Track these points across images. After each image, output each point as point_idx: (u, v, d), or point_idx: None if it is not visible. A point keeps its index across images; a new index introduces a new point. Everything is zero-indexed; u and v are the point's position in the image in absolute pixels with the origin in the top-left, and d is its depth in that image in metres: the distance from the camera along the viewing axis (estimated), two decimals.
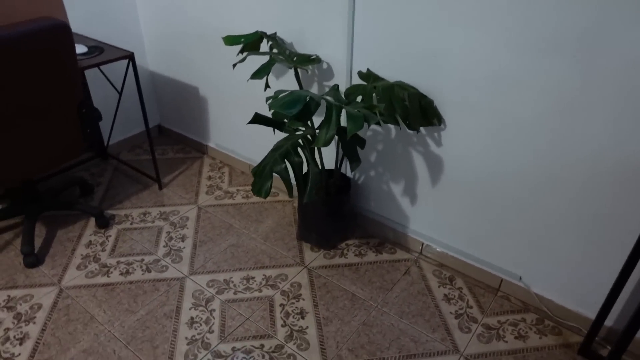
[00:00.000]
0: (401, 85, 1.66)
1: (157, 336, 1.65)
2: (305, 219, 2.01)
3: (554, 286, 1.72)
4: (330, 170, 2.04)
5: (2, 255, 1.97)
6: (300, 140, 1.62)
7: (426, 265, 1.98)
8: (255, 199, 2.35)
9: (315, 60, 1.85)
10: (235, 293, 1.82)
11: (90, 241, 2.06)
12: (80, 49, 2.02)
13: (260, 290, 1.84)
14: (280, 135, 2.08)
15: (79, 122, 1.89)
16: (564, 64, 1.37)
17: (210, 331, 1.67)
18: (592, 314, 1.67)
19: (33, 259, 1.91)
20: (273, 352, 1.61)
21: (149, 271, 1.91)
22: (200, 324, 1.70)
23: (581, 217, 1.54)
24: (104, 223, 2.14)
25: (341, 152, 1.89)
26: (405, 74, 1.70)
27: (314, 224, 1.99)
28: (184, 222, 2.19)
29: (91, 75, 2.41)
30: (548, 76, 1.41)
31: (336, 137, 1.87)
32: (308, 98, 1.43)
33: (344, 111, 1.55)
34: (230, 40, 1.84)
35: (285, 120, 1.66)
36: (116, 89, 2.40)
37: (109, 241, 2.06)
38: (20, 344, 1.60)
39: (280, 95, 1.46)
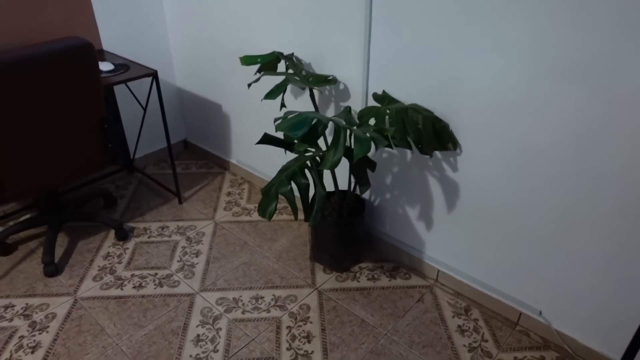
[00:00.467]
0: (415, 109, 1.62)
1: (163, 352, 1.65)
2: (318, 240, 1.98)
3: (577, 323, 1.61)
4: (344, 192, 2.01)
5: (25, 264, 2.04)
6: (308, 162, 1.60)
7: (441, 294, 1.90)
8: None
9: (332, 81, 1.84)
10: (243, 312, 1.81)
11: (109, 253, 2.11)
12: (106, 66, 2.09)
13: (269, 311, 1.82)
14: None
15: (101, 137, 1.95)
16: (583, 92, 1.29)
17: (215, 350, 1.66)
18: (617, 356, 1.55)
19: (52, 269, 1.97)
20: None
21: (161, 286, 1.93)
22: (206, 342, 1.69)
23: (606, 253, 1.44)
24: (123, 235, 2.19)
25: None
26: (421, 97, 1.66)
27: (326, 245, 1.96)
28: (200, 237, 2.21)
29: (120, 91, 2.49)
30: (567, 104, 1.34)
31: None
32: (315, 120, 1.42)
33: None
34: (247, 60, 1.86)
35: (295, 141, 1.65)
36: (141, 105, 2.47)
37: (126, 254, 2.10)
38: (32, 352, 1.64)
39: (289, 117, 1.45)
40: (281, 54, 1.88)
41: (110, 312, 1.81)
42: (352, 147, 1.60)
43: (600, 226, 1.42)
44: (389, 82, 1.73)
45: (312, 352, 1.66)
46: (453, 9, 1.45)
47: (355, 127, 1.55)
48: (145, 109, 2.46)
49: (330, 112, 2.00)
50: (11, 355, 1.63)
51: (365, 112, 1.68)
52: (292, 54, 1.97)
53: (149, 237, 2.21)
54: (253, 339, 1.70)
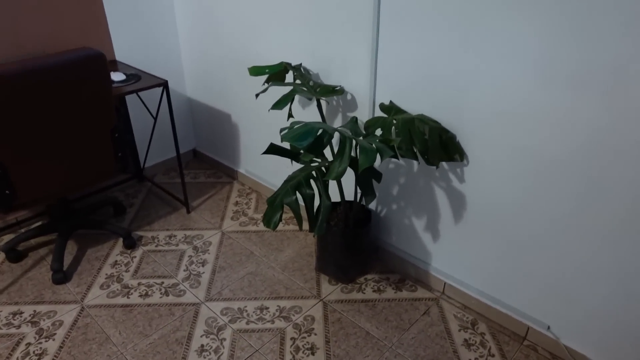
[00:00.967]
0: (422, 119, 1.62)
1: None
2: (324, 251, 1.98)
3: (587, 340, 1.57)
4: (350, 202, 2.00)
5: (35, 271, 2.06)
6: (314, 172, 1.60)
7: (448, 306, 1.88)
8: (279, 226, 2.35)
9: (339, 92, 1.85)
10: (247, 323, 1.81)
11: (116, 261, 2.12)
12: (118, 76, 2.13)
13: (273, 322, 1.81)
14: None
15: (112, 146, 1.97)
16: (592, 101, 1.28)
17: None
18: None
19: (61, 276, 1.99)
20: None
21: (167, 295, 1.94)
22: (210, 353, 1.69)
23: (617, 267, 1.42)
24: (131, 244, 2.20)
25: None
26: (428, 108, 1.66)
27: (332, 256, 1.96)
28: (207, 246, 2.22)
29: (131, 101, 2.53)
30: (575, 114, 1.32)
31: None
32: (320, 130, 1.42)
33: None
34: (255, 70, 1.88)
35: (301, 152, 1.65)
36: (152, 114, 2.50)
37: (133, 262, 2.12)
38: None
39: (295, 127, 1.45)
40: (289, 64, 1.89)
41: (116, 320, 1.82)
42: (358, 157, 1.60)
43: (612, 239, 1.39)
44: (396, 92, 1.73)
45: None
46: (460, 19, 1.45)
47: (361, 138, 1.55)
48: (155, 119, 2.49)
49: (337, 123, 2.01)
50: None
51: (372, 123, 1.68)
52: (300, 64, 1.98)
53: (156, 246, 2.22)
54: (257, 350, 1.69)
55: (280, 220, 1.51)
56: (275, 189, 2.50)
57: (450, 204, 1.76)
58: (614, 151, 1.29)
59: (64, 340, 1.73)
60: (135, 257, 2.15)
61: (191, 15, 2.44)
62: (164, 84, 2.14)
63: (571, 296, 1.55)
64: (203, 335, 1.75)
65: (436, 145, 1.57)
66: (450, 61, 1.53)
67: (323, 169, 1.63)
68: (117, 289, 1.96)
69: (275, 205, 1.52)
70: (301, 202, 2.27)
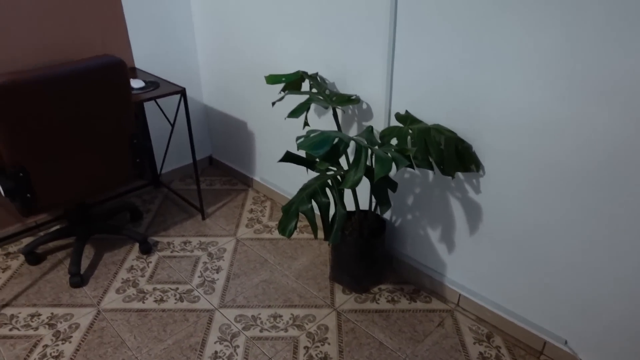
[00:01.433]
0: (438, 129, 1.61)
1: None
2: (338, 260, 1.97)
3: (605, 355, 1.54)
4: (365, 211, 2.00)
5: (53, 274, 2.10)
6: (329, 181, 1.61)
7: (462, 319, 1.86)
8: (293, 234, 2.35)
9: (355, 101, 1.86)
10: (261, 330, 1.81)
11: (132, 266, 2.15)
12: (138, 83, 2.17)
13: (286, 330, 1.81)
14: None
15: (130, 152, 2.01)
16: (613, 111, 1.26)
17: None
18: None
19: (78, 280, 2.02)
20: None
21: (182, 300, 1.95)
22: (223, 359, 1.69)
23: (638, 282, 1.39)
24: (147, 249, 2.23)
25: None
26: (444, 117, 1.66)
27: (346, 265, 1.95)
28: (221, 253, 2.23)
29: (149, 108, 2.57)
30: (596, 124, 1.31)
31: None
32: (336, 139, 1.43)
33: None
34: (272, 79, 1.89)
35: (317, 160, 1.66)
36: (169, 121, 2.54)
37: (149, 267, 2.14)
38: None
39: (311, 135, 1.46)
40: (305, 73, 1.91)
41: (131, 324, 1.83)
42: (374, 166, 1.60)
43: (632, 252, 1.37)
44: (411, 102, 1.73)
45: None
46: (477, 28, 1.45)
47: (376, 147, 1.55)
48: (173, 126, 2.53)
49: (353, 132, 2.01)
50: None
51: (388, 132, 1.68)
52: (317, 73, 2.00)
53: (171, 252, 2.24)
54: (270, 358, 1.69)
55: (295, 228, 1.52)
56: (290, 197, 2.51)
57: (465, 214, 1.75)
58: (636, 163, 1.27)
59: (80, 343, 1.75)
60: (150, 262, 2.17)
61: (209, 24, 2.48)
62: (182, 92, 2.17)
63: (589, 310, 1.53)
64: (217, 341, 1.76)
65: (452, 155, 1.56)
66: (466, 71, 1.53)
67: (339, 177, 1.64)
68: (133, 294, 1.98)
69: (290, 213, 1.52)
70: (316, 211, 2.28)
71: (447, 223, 1.82)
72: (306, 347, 1.74)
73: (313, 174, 2.25)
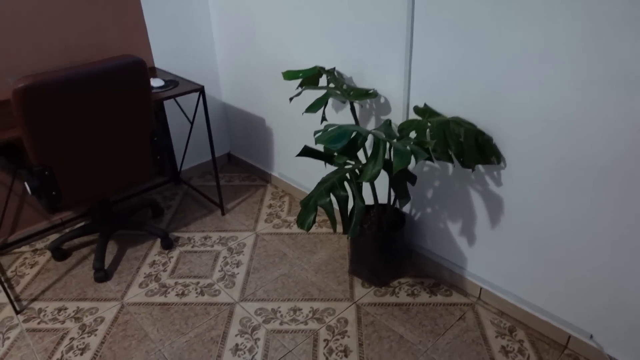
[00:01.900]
0: (457, 121, 1.60)
1: None
2: (357, 254, 1.98)
3: (632, 350, 1.51)
4: (384, 205, 1.99)
5: (78, 269, 2.15)
6: (347, 174, 1.61)
7: (484, 312, 1.84)
8: (312, 229, 2.36)
9: (372, 95, 1.85)
10: (281, 324, 1.82)
11: (154, 261, 2.19)
12: (157, 82, 2.20)
13: (306, 323, 1.82)
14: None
15: (151, 149, 2.04)
16: (634, 104, 1.23)
17: None
18: None
19: (102, 275, 2.06)
20: None
21: (203, 294, 1.98)
22: (244, 352, 1.71)
23: None
24: (168, 244, 2.26)
25: None
26: (463, 110, 1.64)
27: (365, 259, 1.95)
28: (241, 248, 2.25)
29: (169, 106, 2.61)
30: (622, 114, 1.28)
31: None
32: (354, 133, 1.43)
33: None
34: (289, 75, 1.90)
35: (335, 154, 1.66)
36: (188, 119, 2.57)
37: (170, 262, 2.17)
38: (81, 354, 1.72)
39: (329, 129, 1.47)
40: (323, 68, 1.91)
41: (154, 318, 1.87)
42: (392, 159, 1.60)
43: None
44: (430, 95, 1.72)
45: None
46: (497, 17, 1.43)
47: (395, 140, 1.54)
48: (192, 123, 2.56)
49: (370, 126, 2.01)
50: (62, 356, 1.71)
51: (406, 125, 1.67)
52: (334, 68, 2.00)
53: (192, 247, 2.27)
54: (290, 351, 1.71)
55: (313, 222, 1.52)
56: (308, 192, 2.52)
57: (486, 208, 1.73)
58: None
59: (105, 336, 1.79)
60: (172, 257, 2.21)
61: (227, 22, 2.50)
62: (201, 90, 2.19)
63: (615, 304, 1.50)
64: (237, 334, 1.78)
65: (472, 147, 1.55)
66: (485, 63, 1.51)
67: (357, 171, 1.64)
68: (155, 288, 2.02)
69: (309, 207, 1.53)
70: (335, 205, 2.28)
71: (467, 216, 1.81)
72: (326, 340, 1.74)
73: (331, 169, 2.25)
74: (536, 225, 1.60)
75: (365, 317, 1.84)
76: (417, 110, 1.73)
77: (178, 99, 2.62)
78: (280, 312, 1.88)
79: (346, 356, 1.68)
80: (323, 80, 2.05)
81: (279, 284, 2.02)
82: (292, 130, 2.45)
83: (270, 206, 2.58)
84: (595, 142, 1.35)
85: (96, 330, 1.82)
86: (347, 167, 1.67)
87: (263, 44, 2.34)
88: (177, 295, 1.98)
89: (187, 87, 2.19)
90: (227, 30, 2.53)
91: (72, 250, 2.28)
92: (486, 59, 1.50)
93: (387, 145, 1.48)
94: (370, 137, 1.93)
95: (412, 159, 1.46)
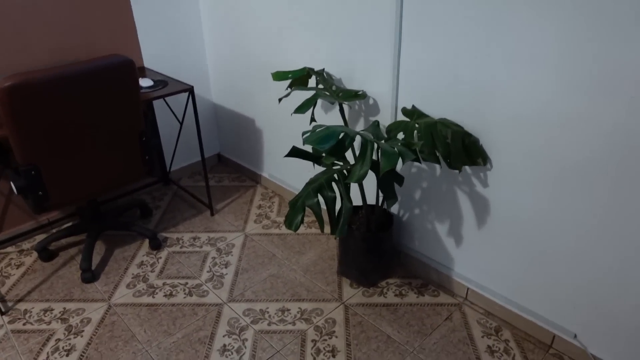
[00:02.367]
0: (444, 123, 1.61)
1: None
2: (345, 254, 1.98)
3: (616, 349, 1.53)
4: (372, 206, 2.00)
5: (65, 270, 2.13)
6: (335, 175, 1.62)
7: (471, 312, 1.86)
8: (300, 229, 2.37)
9: (361, 96, 1.86)
10: (269, 324, 1.82)
11: (142, 261, 2.18)
12: (146, 82, 2.19)
13: (294, 324, 1.82)
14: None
15: (140, 149, 2.03)
16: (622, 105, 1.26)
17: None
18: None
19: (89, 275, 2.05)
20: None
21: (191, 295, 1.97)
22: (232, 353, 1.71)
23: None
24: (156, 245, 2.25)
25: None
26: (451, 112, 1.65)
27: (354, 259, 1.96)
28: (230, 248, 2.25)
29: (159, 106, 2.60)
30: (605, 118, 1.30)
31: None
32: (342, 134, 1.44)
33: None
34: (278, 76, 1.90)
35: (323, 155, 1.66)
36: (178, 119, 2.56)
37: (158, 263, 2.16)
38: (67, 356, 1.71)
39: (317, 130, 1.47)
40: (312, 69, 1.92)
41: (141, 318, 1.86)
42: (380, 160, 1.61)
43: None
44: (418, 96, 1.73)
45: None
46: (483, 22, 1.45)
47: (382, 141, 1.55)
48: (181, 123, 2.55)
49: (359, 127, 2.02)
50: (47, 357, 1.70)
51: (394, 127, 1.68)
52: (323, 69, 2.01)
53: (181, 247, 2.26)
54: (278, 351, 1.71)
55: (301, 222, 1.53)
56: (297, 193, 2.52)
57: (473, 208, 1.75)
58: None
59: (91, 337, 1.78)
60: (160, 257, 2.20)
61: (217, 23, 2.50)
62: (190, 90, 2.19)
63: (600, 304, 1.52)
64: (225, 335, 1.78)
65: (459, 149, 1.56)
66: (472, 65, 1.53)
67: (345, 171, 1.65)
68: (143, 289, 2.01)
69: (297, 208, 1.54)
70: (323, 205, 2.29)
71: (454, 217, 1.82)
72: (314, 341, 1.75)
73: (320, 169, 2.26)
74: (522, 226, 1.62)
75: (353, 317, 1.85)
76: (405, 111, 1.75)
77: (167, 99, 2.61)
78: (268, 312, 1.88)
79: (334, 356, 1.69)
80: (312, 82, 2.06)
81: (267, 284, 2.03)
82: (282, 131, 2.45)
83: (259, 207, 2.58)
84: (578, 144, 1.38)
85: (82, 331, 1.81)
86: (335, 167, 1.67)
87: (253, 44, 2.34)
88: (165, 295, 1.97)
89: (177, 87, 2.18)
90: (217, 31, 2.53)
91: (59, 250, 2.26)
92: (474, 61, 1.52)
93: (375, 146, 1.49)
94: (358, 138, 1.94)
95: (400, 160, 1.47)
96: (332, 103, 1.85)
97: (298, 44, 2.10)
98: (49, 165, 1.79)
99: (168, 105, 2.57)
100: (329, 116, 2.14)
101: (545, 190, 1.51)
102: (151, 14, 2.40)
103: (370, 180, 2.07)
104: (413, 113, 1.73)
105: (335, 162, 1.69)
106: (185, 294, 1.98)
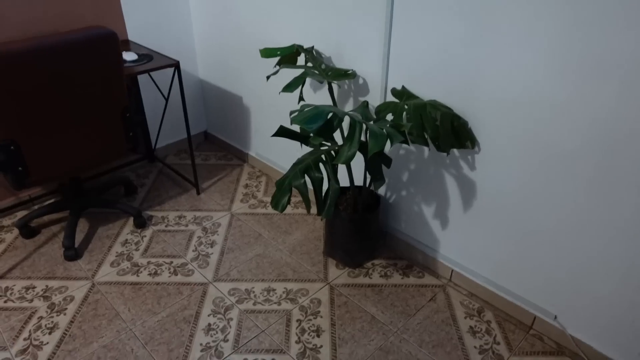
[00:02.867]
0: (434, 105, 1.59)
1: (174, 339, 1.68)
2: (332, 235, 1.98)
3: (594, 330, 1.56)
4: (359, 187, 1.99)
5: (47, 247, 2.10)
6: (323, 156, 1.60)
7: (454, 294, 1.88)
8: (287, 209, 2.35)
9: (351, 75, 1.83)
10: (254, 304, 1.82)
11: (127, 240, 2.15)
12: (130, 56, 2.13)
13: (280, 304, 1.83)
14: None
15: (123, 126, 1.98)
16: (613, 91, 1.25)
17: (225, 340, 1.68)
18: None
19: (72, 253, 2.02)
20: None
21: (176, 274, 1.96)
22: (217, 332, 1.71)
23: (628, 261, 1.40)
24: (141, 223, 2.23)
25: None
26: (441, 93, 1.64)
27: (340, 240, 1.96)
28: (216, 228, 2.23)
29: (143, 81, 2.53)
30: (596, 103, 1.29)
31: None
32: (330, 114, 1.41)
33: None
34: (267, 52, 1.86)
35: (311, 135, 1.64)
36: (163, 95, 2.51)
37: (143, 241, 2.14)
38: (50, 334, 1.69)
39: (305, 110, 1.45)
40: (301, 47, 1.88)
41: (125, 297, 1.85)
42: (368, 142, 1.59)
43: (624, 232, 1.37)
44: (408, 77, 1.71)
45: (321, 346, 1.66)
46: (475, 4, 1.42)
47: (371, 122, 1.53)
48: (167, 100, 2.50)
49: (348, 107, 1.99)
50: (30, 335, 1.68)
51: (383, 108, 1.66)
52: (312, 47, 1.96)
53: (166, 226, 2.24)
54: (263, 331, 1.71)
55: (288, 203, 1.52)
56: (285, 172, 2.50)
57: (460, 191, 1.75)
58: (628, 142, 1.26)
59: (74, 315, 1.77)
60: (145, 236, 2.18)
61: None
62: (176, 65, 2.13)
63: (579, 286, 1.54)
64: (210, 314, 1.78)
65: (447, 131, 1.55)
66: (463, 47, 1.50)
67: (332, 152, 1.63)
68: (127, 267, 1.99)
69: (283, 188, 1.52)
70: (310, 186, 2.28)
71: (441, 199, 1.83)
72: (299, 320, 1.76)
73: (307, 149, 2.24)
74: (507, 209, 1.63)
75: (338, 297, 1.86)
76: (394, 92, 1.73)
77: (153, 74, 2.55)
78: (254, 292, 1.88)
79: (318, 336, 1.70)
80: (301, 59, 2.02)
81: (253, 264, 2.02)
82: (271, 110, 2.41)
83: (246, 186, 2.55)
84: (566, 129, 1.37)
85: (65, 309, 1.79)
86: (322, 148, 1.65)
87: (241, 20, 2.28)
88: (149, 274, 1.96)
89: (162, 62, 2.13)
90: (205, 5, 2.46)
91: (41, 227, 2.22)
92: (465, 44, 1.50)
93: (363, 127, 1.47)
94: (346, 119, 1.92)
95: (388, 141, 1.45)
96: (321, 82, 1.81)
97: (286, 20, 2.04)
98: (28, 141, 1.74)
99: (153, 80, 2.51)
100: (317, 95, 2.10)
101: (530, 173, 1.51)
102: None
103: (358, 161, 2.06)
104: (403, 94, 1.71)
105: (323, 142, 1.67)
106: (170, 273, 1.97)
